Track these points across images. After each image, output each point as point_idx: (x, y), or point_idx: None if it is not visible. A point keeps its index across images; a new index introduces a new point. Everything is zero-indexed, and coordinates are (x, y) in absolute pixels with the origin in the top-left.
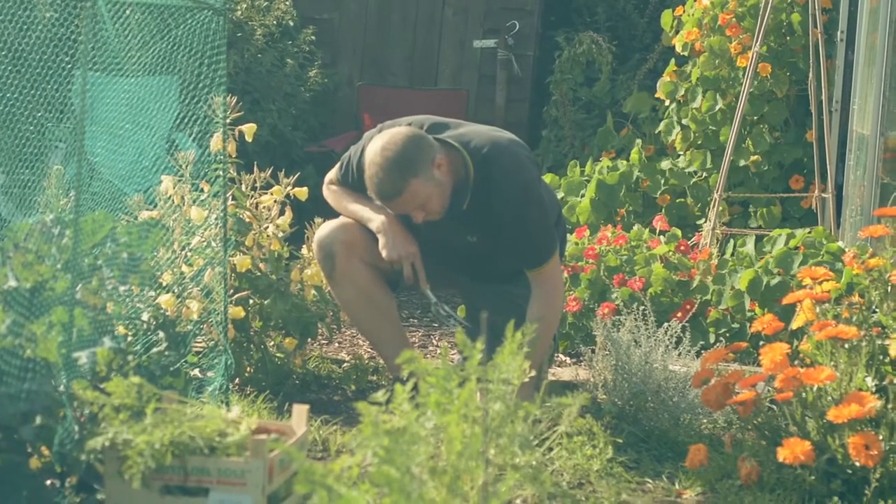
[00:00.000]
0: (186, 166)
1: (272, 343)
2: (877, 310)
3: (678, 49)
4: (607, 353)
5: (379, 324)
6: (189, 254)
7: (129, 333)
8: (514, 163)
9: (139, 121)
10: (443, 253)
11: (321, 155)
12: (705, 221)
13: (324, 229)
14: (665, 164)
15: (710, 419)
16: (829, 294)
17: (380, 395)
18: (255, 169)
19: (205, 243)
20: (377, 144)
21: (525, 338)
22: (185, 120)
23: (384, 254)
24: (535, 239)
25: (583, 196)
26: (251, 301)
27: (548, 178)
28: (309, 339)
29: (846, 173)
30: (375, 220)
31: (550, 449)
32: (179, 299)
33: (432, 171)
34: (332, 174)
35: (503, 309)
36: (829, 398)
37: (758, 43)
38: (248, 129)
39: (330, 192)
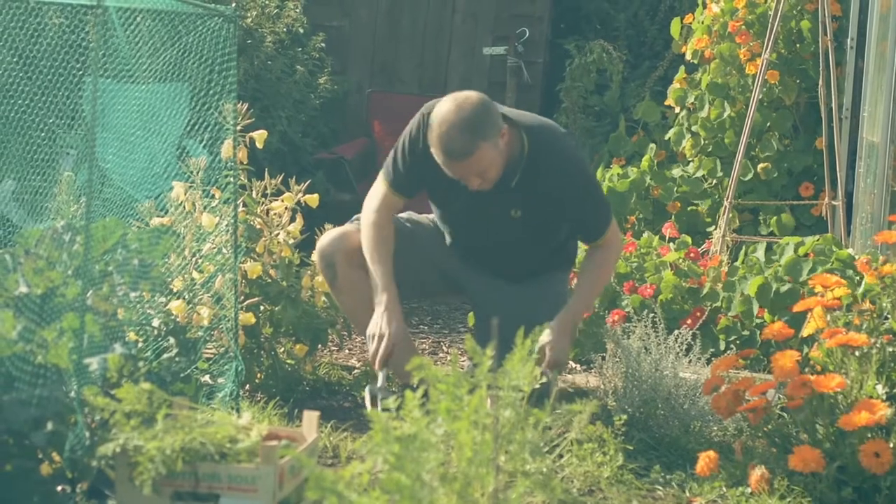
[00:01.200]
0: (197, 173)
1: (282, 349)
2: (888, 317)
3: (688, 56)
4: (618, 360)
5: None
6: (200, 260)
7: (140, 339)
8: (566, 142)
9: (150, 127)
10: (478, 227)
11: (331, 161)
12: (715, 228)
13: (325, 238)
14: (676, 172)
15: (720, 426)
16: (839, 301)
17: (390, 402)
18: (266, 175)
19: (215, 250)
20: (450, 104)
21: (534, 345)
22: (196, 126)
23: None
24: (597, 211)
25: None
26: (262, 307)
27: None
28: (319, 346)
29: (856, 181)
30: (380, 295)
31: (561, 456)
32: (190, 305)
33: (498, 139)
34: (373, 198)
35: (515, 314)
36: (840, 406)
37: (767, 50)
38: (259, 136)
39: (367, 227)
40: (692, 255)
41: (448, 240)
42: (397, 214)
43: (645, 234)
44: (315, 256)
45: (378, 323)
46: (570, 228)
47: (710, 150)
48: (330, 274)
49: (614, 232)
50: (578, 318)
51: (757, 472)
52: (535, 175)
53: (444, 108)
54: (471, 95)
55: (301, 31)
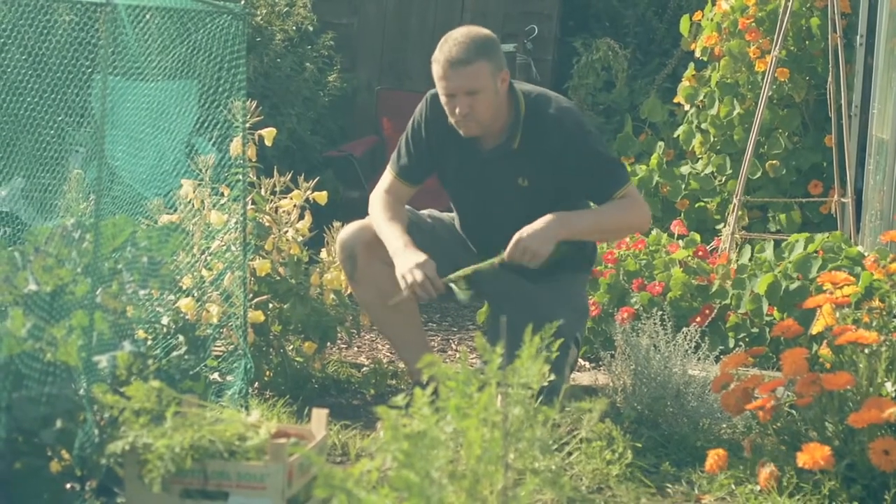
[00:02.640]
0: (206, 170)
1: (291, 347)
2: None
3: (697, 54)
4: (627, 357)
5: (399, 326)
6: (209, 258)
7: (149, 337)
8: (566, 103)
9: (159, 125)
10: (489, 203)
11: (340, 159)
12: (724, 226)
13: (347, 230)
14: (684, 169)
15: (729, 424)
16: (849, 299)
17: (400, 399)
18: (275, 173)
19: (224, 247)
20: (463, 27)
21: (544, 342)
22: (205, 124)
23: (399, 276)
24: (603, 165)
25: None
26: (271, 305)
27: None
28: (328, 344)
29: (865, 178)
30: (393, 245)
31: (570, 453)
32: (199, 303)
33: (498, 74)
34: (380, 185)
35: (530, 314)
36: (849, 403)
37: (777, 47)
38: (268, 134)
39: (375, 202)
40: (701, 252)
41: (467, 237)
42: (406, 204)
43: (654, 232)
44: (336, 247)
45: (407, 261)
46: (580, 190)
47: (719, 147)
48: (350, 265)
49: (634, 192)
50: (568, 229)
51: (766, 470)
52: (536, 135)
53: (454, 30)
54: (483, 28)
55: (310, 28)
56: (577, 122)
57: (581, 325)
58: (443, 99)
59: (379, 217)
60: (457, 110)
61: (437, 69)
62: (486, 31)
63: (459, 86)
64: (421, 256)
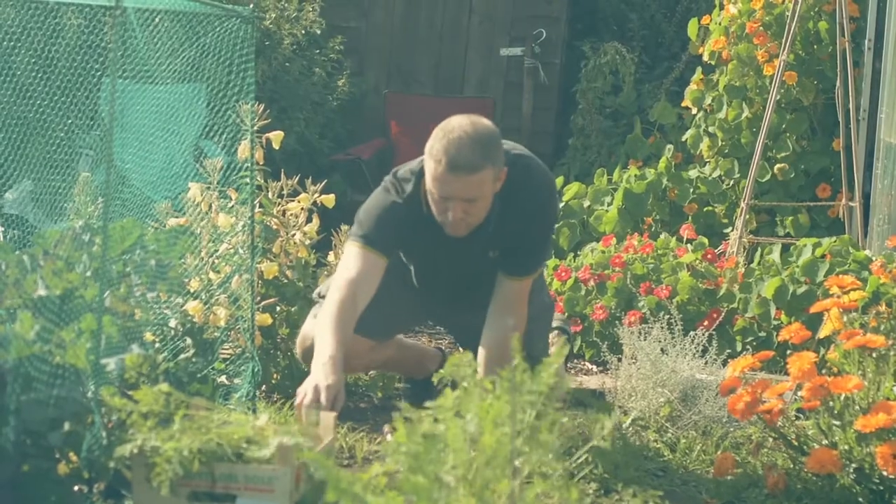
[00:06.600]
0: (214, 173)
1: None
2: None
3: (705, 57)
4: (634, 361)
5: (403, 369)
6: (216, 261)
7: (157, 340)
8: (541, 174)
9: (168, 128)
10: (454, 272)
11: (348, 163)
12: (732, 230)
13: (305, 336)
14: (693, 173)
15: (737, 428)
16: (856, 303)
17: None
18: (283, 176)
19: (232, 250)
20: (463, 118)
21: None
22: (214, 127)
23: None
24: (541, 246)
25: (609, 205)
26: (278, 308)
27: (574, 186)
28: None
29: (873, 182)
30: (317, 358)
31: (577, 457)
32: (207, 306)
33: (499, 176)
34: (349, 262)
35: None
36: (857, 407)
37: (785, 51)
38: (276, 137)
39: (328, 300)
40: (709, 256)
41: (415, 280)
42: (378, 277)
43: (662, 236)
44: (299, 342)
45: (312, 378)
46: (504, 252)
47: (727, 151)
48: None
49: (526, 290)
50: None
51: (773, 474)
52: (512, 211)
53: (457, 119)
54: (484, 119)
55: (318, 32)
56: (548, 197)
57: (547, 323)
58: (433, 195)
59: (325, 320)
60: (449, 214)
61: (433, 168)
62: (489, 126)
63: (458, 192)
64: (327, 379)
